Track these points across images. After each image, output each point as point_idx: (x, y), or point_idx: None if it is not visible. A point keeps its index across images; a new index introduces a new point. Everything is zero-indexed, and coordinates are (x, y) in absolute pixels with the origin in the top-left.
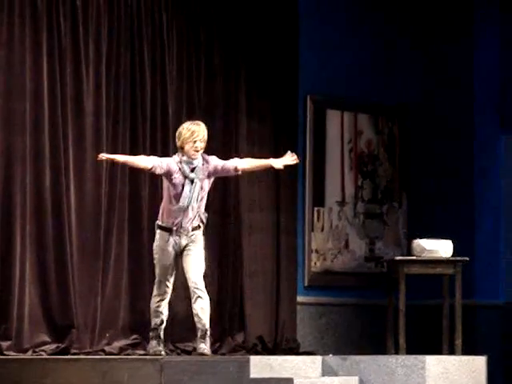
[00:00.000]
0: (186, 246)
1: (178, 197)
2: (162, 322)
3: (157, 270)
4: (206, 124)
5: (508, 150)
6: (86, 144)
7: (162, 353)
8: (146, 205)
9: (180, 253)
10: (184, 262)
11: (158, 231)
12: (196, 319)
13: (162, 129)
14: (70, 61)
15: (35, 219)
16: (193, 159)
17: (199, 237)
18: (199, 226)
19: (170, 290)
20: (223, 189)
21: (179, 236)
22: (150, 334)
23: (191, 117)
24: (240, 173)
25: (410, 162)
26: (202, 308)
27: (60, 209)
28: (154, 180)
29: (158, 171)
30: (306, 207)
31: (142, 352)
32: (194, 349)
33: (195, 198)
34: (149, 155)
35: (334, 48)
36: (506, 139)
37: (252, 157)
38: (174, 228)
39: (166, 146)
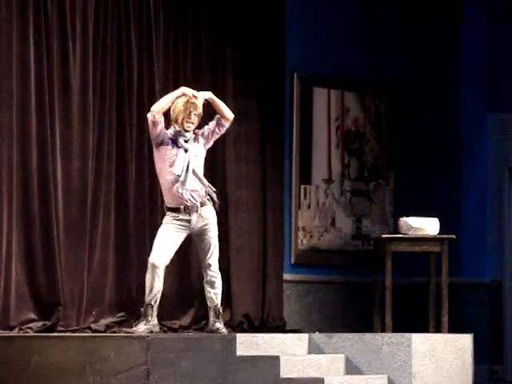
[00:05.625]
0: (202, 227)
1: (172, 166)
2: (154, 298)
3: (155, 242)
4: None
5: (495, 127)
6: (73, 121)
7: (156, 329)
8: (133, 182)
9: (194, 234)
10: (201, 242)
11: (167, 213)
12: (210, 301)
13: (148, 106)
14: (57, 38)
15: (22, 196)
16: (186, 131)
17: (213, 216)
18: (208, 202)
19: (164, 266)
20: (210, 166)
21: (189, 214)
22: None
23: None
24: (223, 120)
25: (396, 139)
26: (217, 293)
27: (46, 186)
28: (141, 157)
29: (159, 123)
30: (292, 185)
31: (128, 329)
32: (181, 326)
33: (191, 169)
34: (135, 133)
35: (320, 25)
36: (492, 117)
37: (239, 134)
38: (182, 207)
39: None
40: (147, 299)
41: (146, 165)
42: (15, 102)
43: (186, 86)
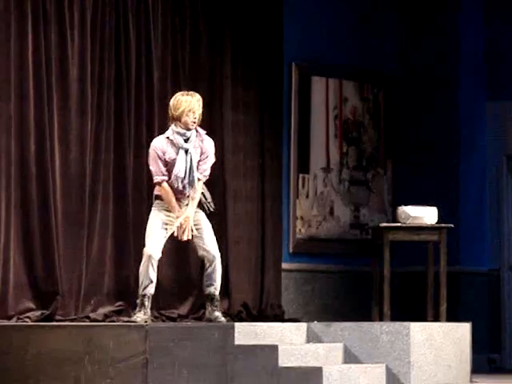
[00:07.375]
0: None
1: (172, 166)
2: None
3: (150, 233)
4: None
5: (493, 116)
6: (71, 111)
7: (148, 321)
8: (131, 172)
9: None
10: (198, 234)
11: (156, 201)
12: (210, 290)
13: (146, 95)
14: (55, 27)
15: (20, 186)
16: (189, 129)
17: (200, 213)
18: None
19: (157, 255)
20: None
21: (179, 204)
22: (137, 301)
23: (176, 83)
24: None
25: (395, 128)
26: (217, 284)
27: (45, 175)
28: (139, 147)
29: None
30: (290, 174)
31: (126, 318)
32: (179, 315)
33: (191, 170)
34: (133, 122)
35: (318, 14)
36: (490, 106)
37: (237, 124)
38: (173, 198)
39: (150, 113)
40: (145, 290)
41: (144, 154)
42: (13, 92)
43: (184, 75)
